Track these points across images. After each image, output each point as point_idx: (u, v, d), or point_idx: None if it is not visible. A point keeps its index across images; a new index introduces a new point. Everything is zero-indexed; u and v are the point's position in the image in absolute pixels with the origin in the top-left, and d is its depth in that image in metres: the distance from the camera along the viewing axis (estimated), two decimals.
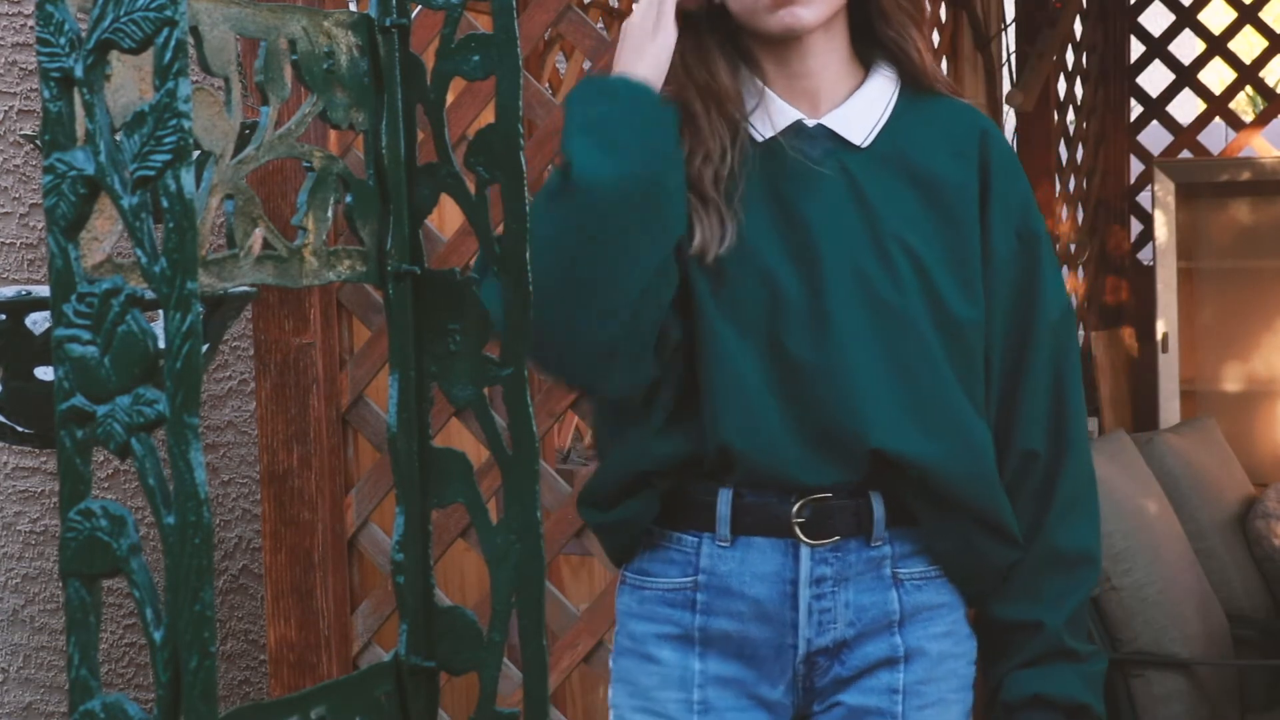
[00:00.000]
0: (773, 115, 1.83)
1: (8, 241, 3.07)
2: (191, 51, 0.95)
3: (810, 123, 1.82)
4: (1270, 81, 5.41)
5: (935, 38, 4.74)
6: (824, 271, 1.78)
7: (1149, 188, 5.06)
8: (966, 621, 1.91)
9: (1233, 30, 5.25)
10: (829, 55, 1.83)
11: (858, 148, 1.82)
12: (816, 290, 1.78)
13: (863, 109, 1.84)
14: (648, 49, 1.76)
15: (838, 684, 1.85)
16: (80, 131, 0.96)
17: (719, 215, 1.78)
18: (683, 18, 1.81)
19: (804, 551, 1.81)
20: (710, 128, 1.80)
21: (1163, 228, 4.87)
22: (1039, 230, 1.86)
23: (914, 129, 1.84)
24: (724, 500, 1.81)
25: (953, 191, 1.82)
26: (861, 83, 1.85)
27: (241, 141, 1.06)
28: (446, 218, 2.93)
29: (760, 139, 1.82)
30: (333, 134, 2.49)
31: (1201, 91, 5.28)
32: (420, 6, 1.20)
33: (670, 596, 1.85)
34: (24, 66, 3.07)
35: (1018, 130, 5.10)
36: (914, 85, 1.86)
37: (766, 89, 1.83)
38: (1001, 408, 1.85)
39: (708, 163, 1.79)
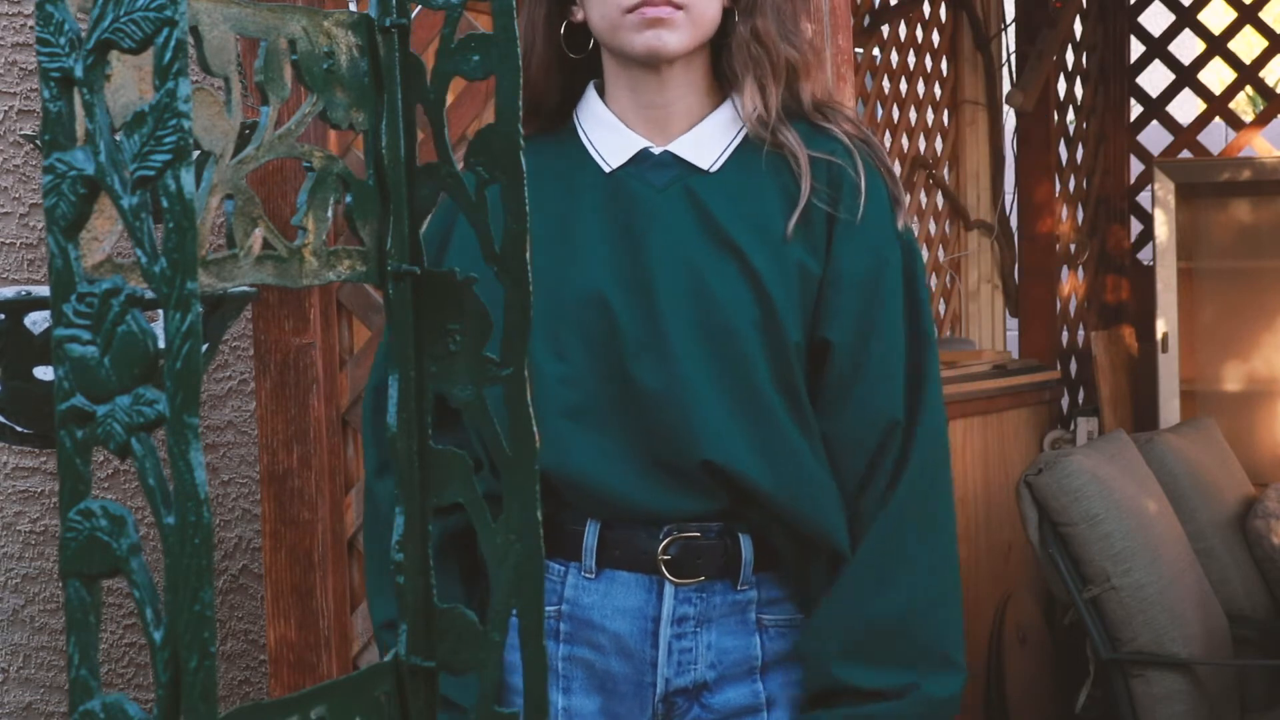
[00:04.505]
0: (619, 145, 1.83)
1: (8, 241, 3.07)
2: (191, 51, 0.95)
3: (656, 150, 1.82)
4: (1270, 81, 5.41)
5: (935, 38, 4.74)
6: (658, 298, 1.76)
7: (1149, 188, 5.06)
8: None
9: (1233, 30, 5.25)
10: (686, 87, 1.83)
11: (705, 172, 1.81)
12: (652, 317, 1.76)
13: (711, 134, 1.83)
14: None
15: None
16: (80, 131, 0.96)
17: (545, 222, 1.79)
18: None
19: (668, 589, 1.79)
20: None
21: (1163, 227, 4.87)
22: (890, 256, 1.81)
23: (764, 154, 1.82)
24: (591, 531, 1.79)
25: (800, 214, 1.79)
26: (714, 109, 1.85)
27: (241, 141, 1.06)
28: None
29: (607, 170, 1.82)
30: (333, 134, 2.49)
31: (1201, 91, 5.28)
32: (420, 6, 1.20)
33: None
34: (24, 66, 3.07)
35: (1018, 130, 5.10)
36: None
37: (614, 118, 1.84)
38: (848, 405, 1.79)
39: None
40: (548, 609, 1.82)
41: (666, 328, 1.76)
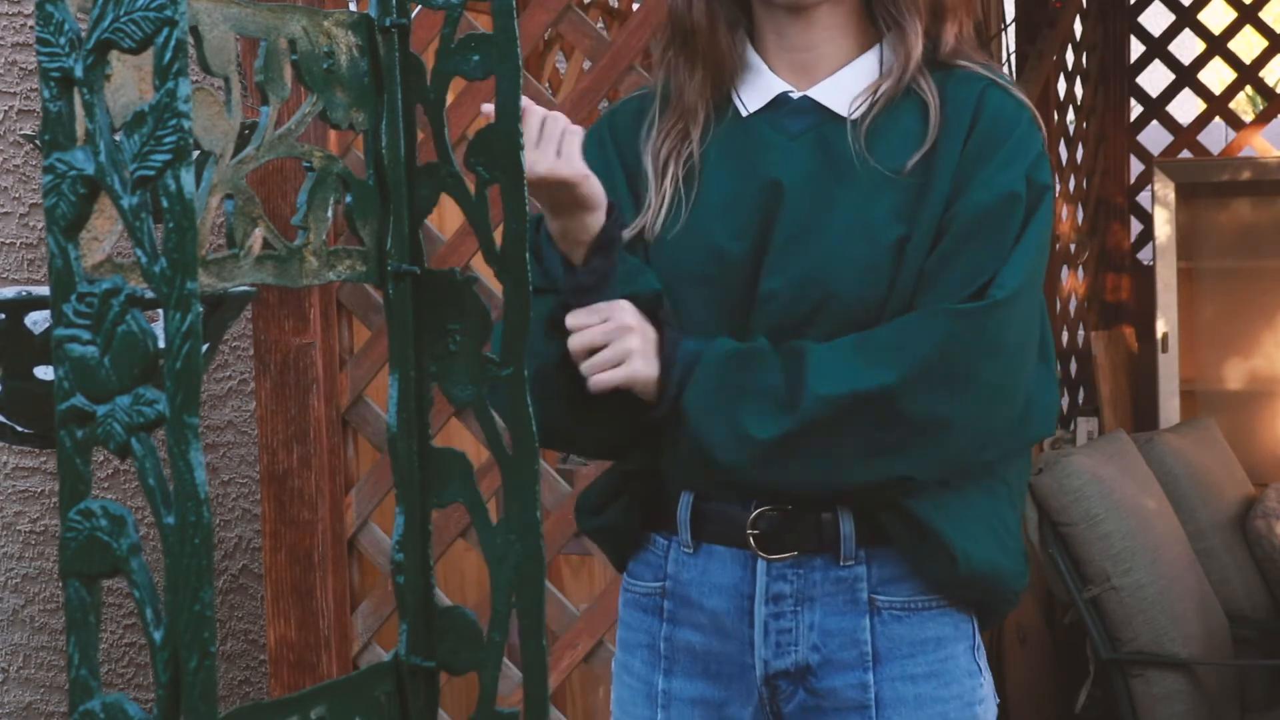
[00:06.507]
0: (760, 88, 1.77)
1: (8, 241, 3.07)
2: (191, 51, 0.95)
3: (796, 95, 1.76)
4: (1270, 81, 5.41)
5: None
6: (772, 247, 1.69)
7: (1149, 187, 5.06)
8: (970, 656, 1.77)
9: (1233, 30, 5.25)
10: (833, 30, 1.76)
11: (844, 119, 1.73)
12: (757, 265, 1.69)
13: (853, 79, 1.75)
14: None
15: (805, 712, 1.74)
16: (80, 131, 0.96)
17: (673, 193, 1.73)
18: None
19: (760, 565, 1.72)
20: (699, 96, 1.75)
21: (1163, 227, 4.87)
22: (1044, 177, 1.73)
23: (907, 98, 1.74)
24: (684, 505, 1.74)
25: (931, 158, 1.71)
26: (862, 54, 1.77)
27: (241, 141, 1.06)
28: (446, 218, 2.93)
29: (745, 113, 1.76)
30: (333, 134, 2.49)
31: (1201, 91, 5.28)
32: (420, 6, 1.20)
33: (644, 601, 1.80)
34: (24, 66, 3.07)
35: None
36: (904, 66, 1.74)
37: (760, 60, 1.77)
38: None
39: (684, 136, 1.74)
40: (653, 584, 1.79)
41: (769, 281, 1.69)
